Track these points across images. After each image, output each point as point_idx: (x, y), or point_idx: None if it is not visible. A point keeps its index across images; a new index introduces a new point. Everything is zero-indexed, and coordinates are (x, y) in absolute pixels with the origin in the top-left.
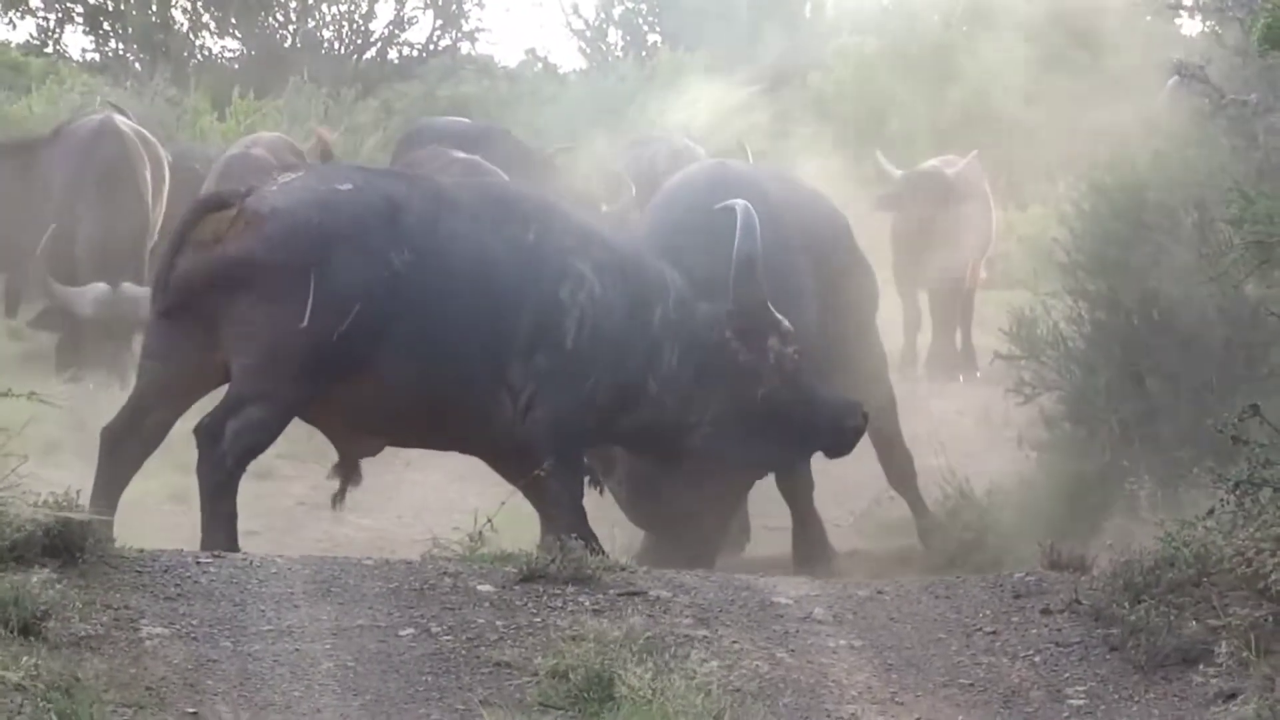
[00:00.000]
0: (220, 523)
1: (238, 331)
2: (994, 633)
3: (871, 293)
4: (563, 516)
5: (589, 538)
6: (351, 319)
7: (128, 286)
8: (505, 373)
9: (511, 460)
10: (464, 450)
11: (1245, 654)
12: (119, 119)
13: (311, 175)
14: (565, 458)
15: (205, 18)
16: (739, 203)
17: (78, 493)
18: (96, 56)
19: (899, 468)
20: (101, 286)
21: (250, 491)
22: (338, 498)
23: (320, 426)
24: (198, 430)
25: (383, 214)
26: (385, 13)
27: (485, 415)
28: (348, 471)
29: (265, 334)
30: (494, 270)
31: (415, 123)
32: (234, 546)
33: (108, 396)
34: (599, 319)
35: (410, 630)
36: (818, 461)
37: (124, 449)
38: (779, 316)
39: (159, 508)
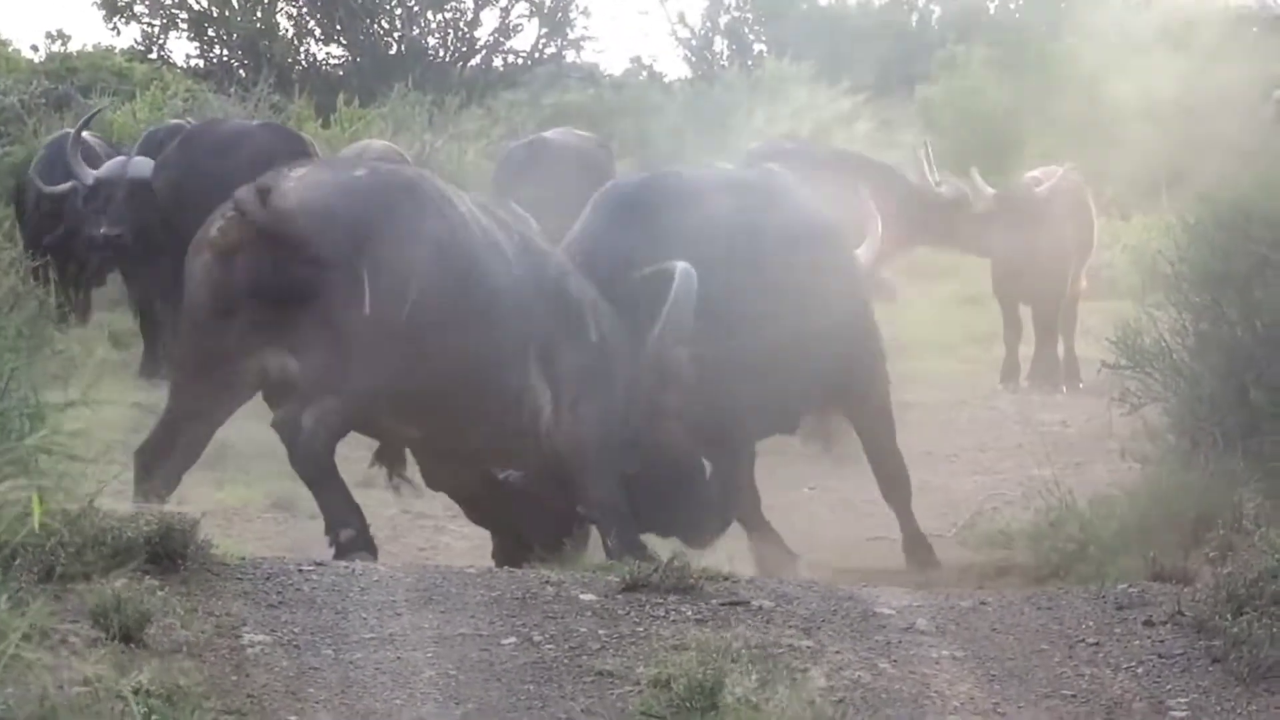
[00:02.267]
0: (337, 501)
1: (298, 327)
2: (1096, 644)
3: (854, 298)
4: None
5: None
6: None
7: None
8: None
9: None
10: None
11: None
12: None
13: (322, 166)
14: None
15: (310, 24)
16: (680, 267)
17: (179, 500)
18: (200, 63)
19: (890, 479)
20: None
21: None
22: (393, 484)
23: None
24: (276, 426)
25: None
26: (490, 20)
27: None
28: (392, 459)
29: (329, 326)
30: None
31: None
32: (360, 520)
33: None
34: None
35: (512, 639)
36: (919, 473)
37: (160, 469)
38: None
39: (260, 515)
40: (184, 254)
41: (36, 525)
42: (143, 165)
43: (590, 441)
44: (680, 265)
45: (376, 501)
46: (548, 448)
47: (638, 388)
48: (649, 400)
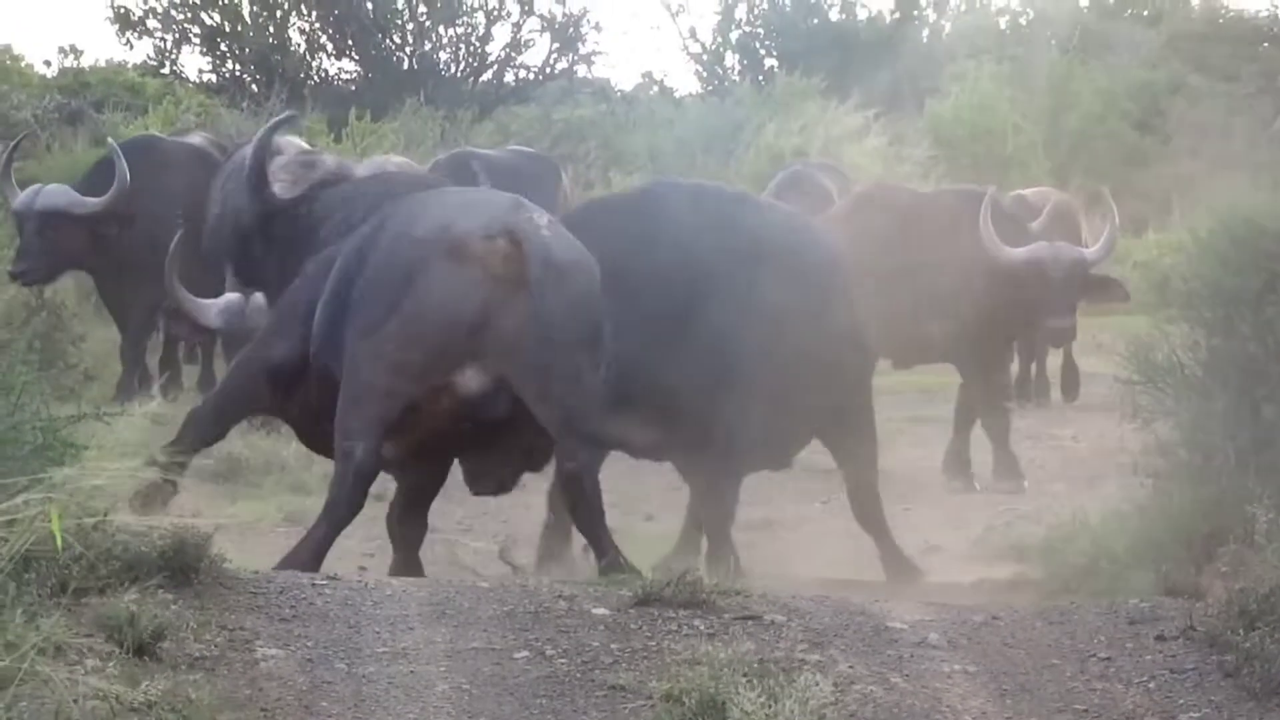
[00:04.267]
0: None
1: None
2: (1108, 659)
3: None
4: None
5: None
6: None
7: (260, 298)
8: None
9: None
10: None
11: None
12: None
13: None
14: None
15: (322, 39)
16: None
17: (192, 514)
18: (213, 78)
19: (864, 506)
20: (234, 297)
21: (367, 514)
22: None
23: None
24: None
25: None
26: (502, 35)
27: None
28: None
29: None
30: None
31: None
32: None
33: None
34: None
35: (525, 653)
36: (931, 489)
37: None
38: None
39: (273, 529)
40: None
41: (59, 543)
42: (55, 195)
43: None
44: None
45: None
46: None
47: None
48: None
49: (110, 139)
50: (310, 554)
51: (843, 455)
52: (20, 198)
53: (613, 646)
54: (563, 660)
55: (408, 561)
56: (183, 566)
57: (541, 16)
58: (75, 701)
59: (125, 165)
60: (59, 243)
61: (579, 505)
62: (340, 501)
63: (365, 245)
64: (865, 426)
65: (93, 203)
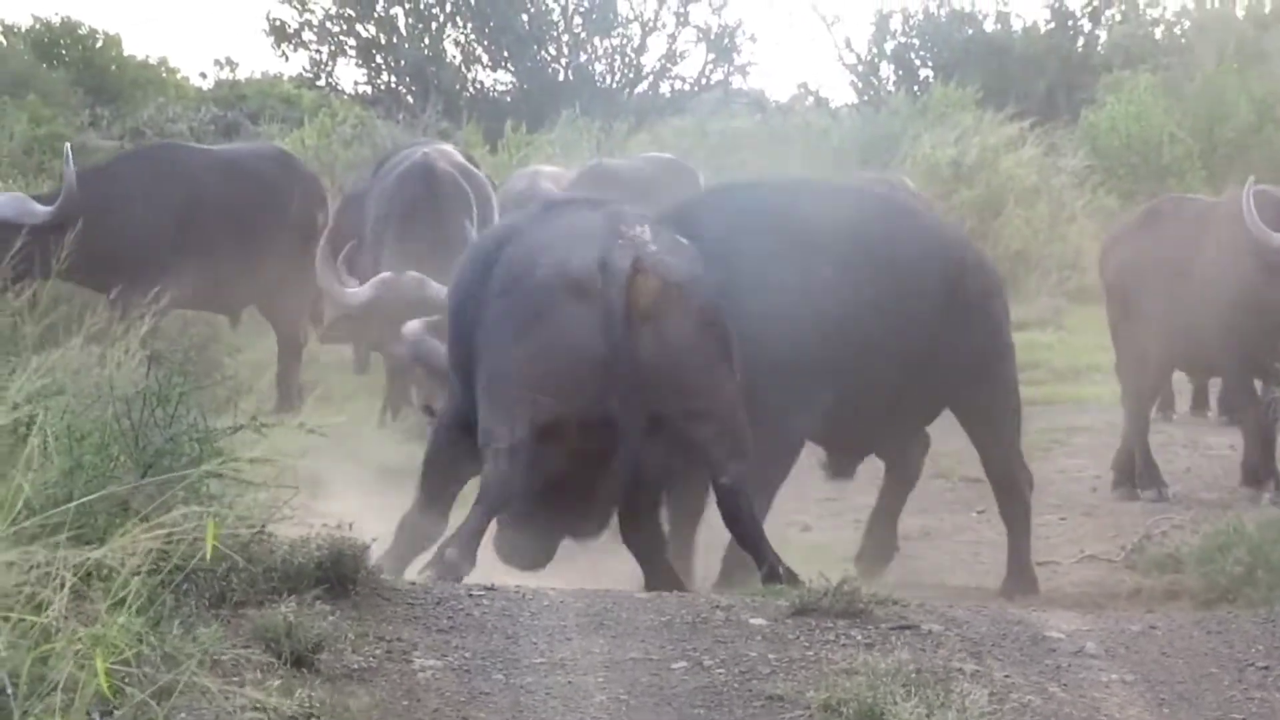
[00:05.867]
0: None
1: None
2: (1266, 668)
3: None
4: None
5: None
6: None
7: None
8: None
9: None
10: None
11: None
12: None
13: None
14: None
15: (478, 51)
16: None
17: (350, 524)
18: (368, 89)
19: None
20: (386, 275)
21: None
22: None
23: None
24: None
25: None
26: (658, 46)
27: None
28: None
29: None
30: None
31: None
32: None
33: (371, 428)
34: None
35: (683, 663)
36: (1087, 498)
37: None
38: None
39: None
40: None
41: (209, 554)
42: (4, 205)
43: None
44: None
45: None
46: None
47: None
48: None
49: (67, 145)
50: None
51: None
52: None
53: (770, 656)
54: (720, 670)
55: (661, 574)
56: (340, 577)
57: (697, 27)
58: (233, 713)
59: (73, 171)
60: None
61: (736, 519)
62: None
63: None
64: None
65: (42, 211)
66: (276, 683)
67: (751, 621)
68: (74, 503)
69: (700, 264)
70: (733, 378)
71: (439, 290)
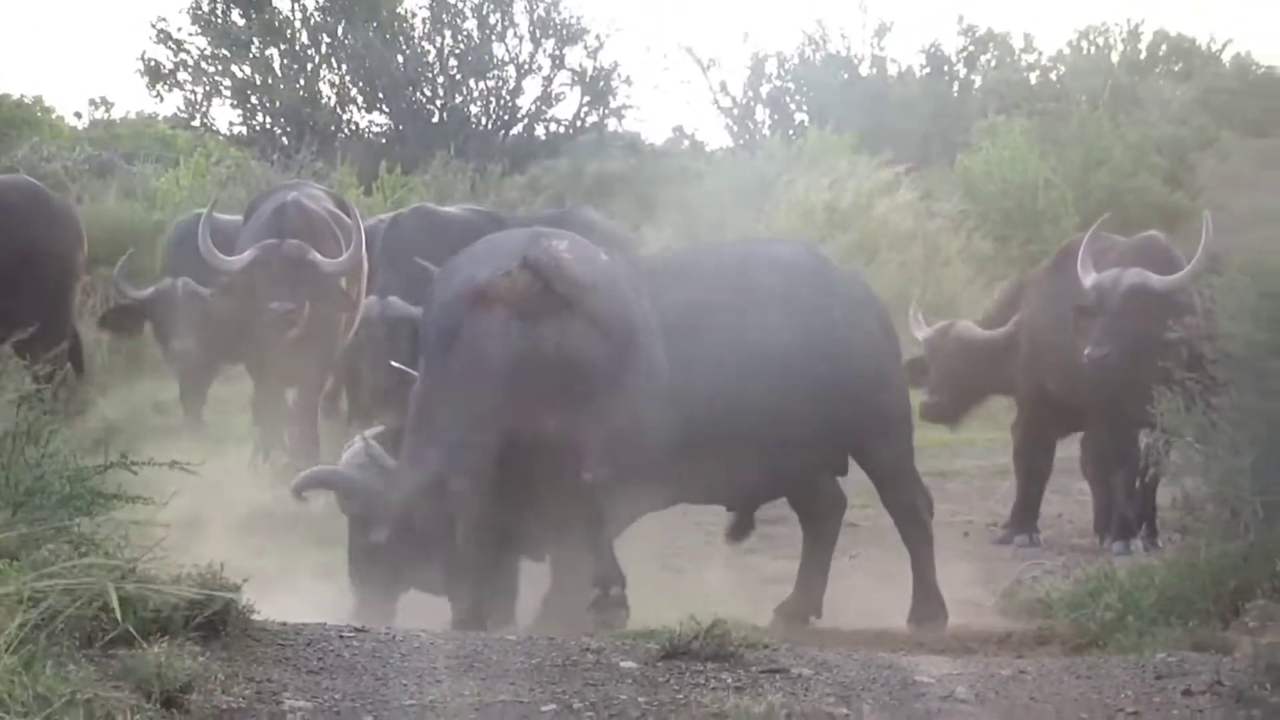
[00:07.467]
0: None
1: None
2: (1136, 713)
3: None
4: None
5: None
6: None
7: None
8: None
9: None
10: None
11: None
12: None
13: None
14: None
15: (353, 92)
16: None
17: (220, 565)
18: (244, 130)
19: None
20: (268, 240)
21: None
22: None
23: None
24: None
25: None
26: (533, 89)
27: None
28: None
29: None
30: None
31: None
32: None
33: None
34: None
35: (553, 706)
36: (959, 543)
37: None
38: None
39: (301, 582)
40: None
41: (119, 613)
42: None
43: None
44: None
45: None
46: None
47: None
48: None
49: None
50: None
51: None
52: None
53: (640, 700)
54: (590, 714)
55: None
56: (211, 618)
57: (572, 70)
58: None
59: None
60: None
61: (590, 521)
62: None
63: None
64: None
65: None
66: None
67: (622, 664)
68: None
69: (620, 278)
70: (633, 388)
71: (321, 259)
